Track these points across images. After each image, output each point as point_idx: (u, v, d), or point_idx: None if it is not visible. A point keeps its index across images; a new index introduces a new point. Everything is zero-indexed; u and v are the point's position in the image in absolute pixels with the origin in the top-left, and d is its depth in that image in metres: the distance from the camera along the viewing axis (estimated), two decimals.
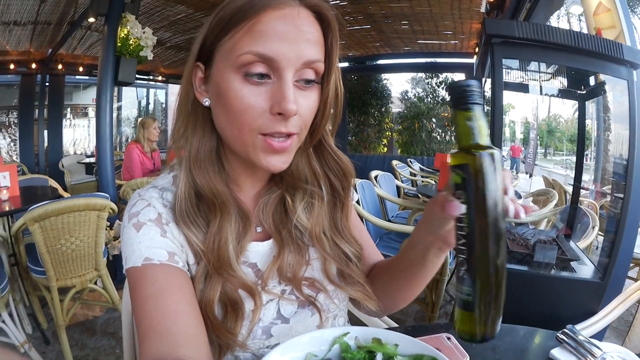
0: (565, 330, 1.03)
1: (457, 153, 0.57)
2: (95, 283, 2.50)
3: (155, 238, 0.68)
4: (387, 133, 10.05)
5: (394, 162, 6.33)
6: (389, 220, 3.68)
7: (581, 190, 3.06)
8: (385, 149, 10.08)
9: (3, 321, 2.12)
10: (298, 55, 0.63)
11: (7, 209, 2.74)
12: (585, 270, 2.10)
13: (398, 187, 5.20)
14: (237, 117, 0.63)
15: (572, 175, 3.05)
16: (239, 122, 0.64)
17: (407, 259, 0.80)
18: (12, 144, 8.24)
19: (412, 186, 6.00)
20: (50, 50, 6.68)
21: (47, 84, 7.40)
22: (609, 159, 2.96)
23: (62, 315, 2.29)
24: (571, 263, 2.13)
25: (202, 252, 0.69)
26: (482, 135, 0.55)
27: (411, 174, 6.57)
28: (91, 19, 3.82)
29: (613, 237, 2.03)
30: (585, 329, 1.46)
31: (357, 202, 2.70)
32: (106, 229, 2.44)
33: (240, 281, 0.71)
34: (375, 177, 4.22)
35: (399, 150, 9.70)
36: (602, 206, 3.13)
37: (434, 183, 4.87)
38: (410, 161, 7.29)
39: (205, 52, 0.68)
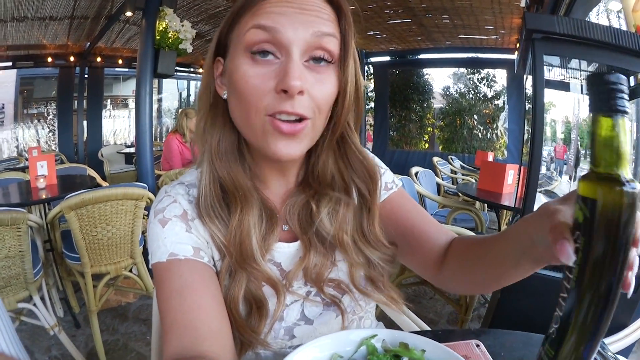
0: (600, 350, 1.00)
1: (589, 179, 0.43)
2: (130, 270, 2.56)
3: (180, 234, 0.69)
4: (429, 129, 9.91)
5: (435, 159, 6.24)
6: None
7: None
8: (427, 145, 9.93)
9: (34, 304, 2.19)
10: (306, 25, 0.61)
11: (43, 197, 2.85)
12: None
13: (438, 185, 5.13)
14: (244, 98, 0.62)
15: None
16: (246, 103, 0.62)
17: (498, 252, 0.69)
18: (50, 134, 8.55)
19: (452, 184, 5.88)
20: (89, 43, 6.89)
21: (86, 76, 7.63)
22: None
23: (94, 300, 2.35)
24: None
25: (225, 246, 0.69)
26: (625, 160, 0.41)
27: (452, 171, 6.46)
28: (128, 13, 3.89)
29: None
30: (614, 342, 1.41)
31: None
32: (144, 218, 2.48)
33: (264, 275, 0.70)
34: (416, 174, 4.17)
35: (440, 147, 9.54)
36: None
37: (474, 181, 4.78)
38: (451, 158, 7.16)
39: (222, 45, 0.69)
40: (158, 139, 10.03)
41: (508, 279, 0.70)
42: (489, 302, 2.74)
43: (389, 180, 0.89)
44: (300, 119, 0.63)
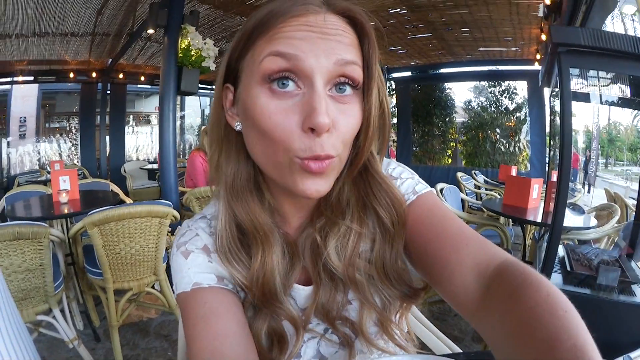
0: None
1: None
2: (153, 287, 2.56)
3: (203, 265, 0.68)
4: (452, 144, 9.89)
5: (459, 174, 6.19)
6: None
7: None
8: (450, 160, 9.91)
9: (54, 317, 2.20)
10: (327, 53, 0.56)
11: (66, 211, 2.86)
12: None
13: (462, 200, 5.08)
14: (268, 137, 0.57)
15: (633, 187, 2.85)
16: (272, 143, 0.57)
17: None
18: (73, 149, 8.75)
19: (477, 199, 5.82)
20: (111, 60, 7.04)
21: (108, 92, 7.81)
22: None
23: (116, 316, 2.36)
24: (632, 287, 1.98)
25: (246, 287, 0.67)
26: None
27: (475, 186, 6.40)
28: (150, 31, 3.95)
29: None
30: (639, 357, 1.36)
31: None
32: (167, 235, 2.49)
33: (286, 314, 0.69)
34: (441, 190, 4.14)
35: (464, 162, 9.49)
36: None
37: (498, 196, 4.72)
38: (475, 173, 7.10)
39: (232, 71, 0.64)
40: (181, 156, 10.19)
41: None
42: None
43: (407, 191, 0.76)
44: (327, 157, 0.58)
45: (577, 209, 3.79)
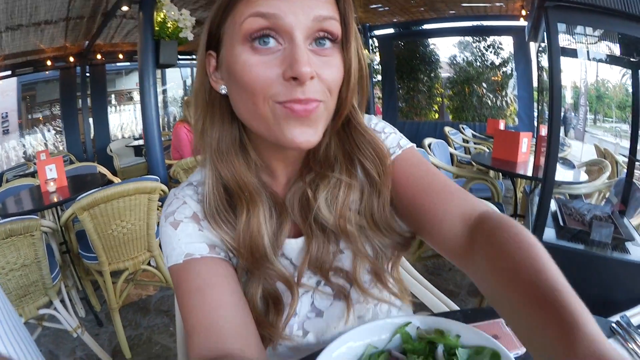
0: (619, 320, 0.98)
1: None
2: (149, 263, 2.56)
3: (193, 234, 0.68)
4: (438, 99, 9.84)
5: (447, 129, 6.19)
6: None
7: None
8: (437, 115, 9.86)
9: (55, 308, 2.20)
10: (305, 11, 0.58)
11: (55, 200, 2.83)
12: (638, 251, 1.96)
13: (451, 155, 5.07)
14: (249, 88, 0.58)
15: (622, 144, 2.86)
16: (252, 93, 0.59)
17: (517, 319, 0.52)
18: (57, 136, 8.60)
19: (465, 153, 5.84)
20: (87, 42, 6.84)
21: (87, 74, 7.64)
22: None
23: (115, 298, 2.36)
24: (626, 243, 1.99)
25: (236, 249, 0.68)
26: None
27: (464, 140, 6.41)
28: (125, 8, 3.88)
29: None
30: (636, 315, 1.39)
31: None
32: (158, 209, 2.47)
33: (278, 274, 0.70)
34: (429, 145, 4.13)
35: (451, 116, 9.47)
36: None
37: (487, 150, 4.72)
38: (462, 127, 7.13)
39: (213, 37, 0.65)
40: (166, 129, 10.04)
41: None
42: None
43: (392, 145, 0.79)
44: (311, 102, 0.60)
45: (568, 164, 3.81)
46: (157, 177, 2.45)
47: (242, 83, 0.59)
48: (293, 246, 0.74)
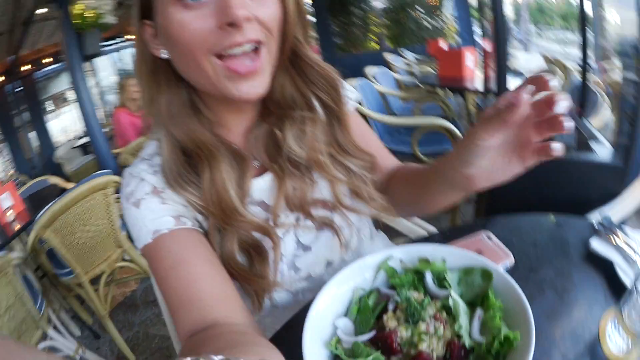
0: (601, 221, 1.02)
1: None
2: (123, 259, 2.51)
3: (156, 209, 0.67)
4: (375, 29, 9.75)
5: (386, 55, 6.11)
6: (393, 114, 3.58)
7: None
8: (378, 46, 9.81)
9: (51, 339, 2.11)
10: None
11: (17, 228, 2.68)
12: (604, 150, 1.98)
13: (397, 81, 5.03)
14: (187, 45, 0.59)
15: (570, 52, 2.89)
16: (191, 49, 0.59)
17: (428, 186, 0.75)
18: (2, 160, 8.24)
19: (410, 77, 5.80)
20: (12, 57, 6.62)
21: (20, 88, 7.45)
22: (606, 38, 2.82)
23: (101, 305, 2.31)
24: (590, 143, 2.02)
25: (204, 208, 0.68)
26: None
27: (406, 64, 6.37)
28: (43, 10, 3.72)
29: (632, 119, 1.90)
30: (613, 212, 1.46)
31: (360, 103, 2.65)
32: (116, 201, 2.40)
33: (251, 224, 0.70)
34: (374, 76, 4.09)
35: (391, 44, 9.45)
36: (609, 85, 2.99)
37: (432, 70, 4.70)
38: (402, 51, 7.10)
39: (145, 7, 0.65)
40: (110, 119, 9.84)
41: (441, 205, 0.77)
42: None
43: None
44: (256, 48, 0.61)
45: (518, 74, 3.85)
46: (108, 171, 2.36)
47: (181, 42, 0.59)
48: (261, 185, 0.75)
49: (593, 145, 1.98)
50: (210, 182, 0.67)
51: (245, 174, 0.71)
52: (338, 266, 0.85)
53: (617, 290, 0.90)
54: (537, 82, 0.53)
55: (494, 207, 2.00)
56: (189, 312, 0.60)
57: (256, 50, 0.61)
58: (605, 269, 0.94)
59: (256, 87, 0.63)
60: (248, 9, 0.57)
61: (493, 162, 0.61)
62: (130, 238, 2.51)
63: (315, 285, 0.84)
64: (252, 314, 0.81)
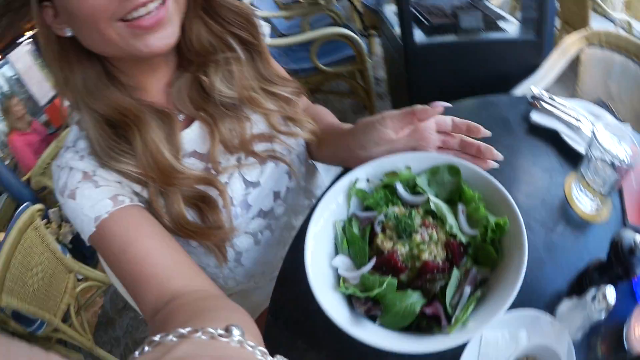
0: (533, 94, 1.06)
1: None
2: (78, 281, 2.38)
3: (92, 195, 0.66)
4: None
5: None
6: (282, 35, 3.41)
7: None
8: None
9: None
10: None
11: None
12: (513, 28, 2.00)
13: (275, 2, 4.79)
14: (88, 16, 0.56)
15: None
16: (93, 19, 0.56)
17: (319, 149, 0.88)
18: None
19: None
20: None
21: None
22: None
23: (84, 337, 2.23)
24: (498, 22, 2.02)
25: (143, 175, 0.67)
26: None
27: None
28: None
29: None
30: (537, 84, 1.51)
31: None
32: (47, 227, 2.26)
33: (192, 178, 0.69)
34: (250, 2, 3.87)
35: None
36: None
37: None
38: None
39: None
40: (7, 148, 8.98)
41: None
42: (389, 81, 2.78)
43: None
44: (162, 2, 0.59)
45: None
46: (27, 203, 2.17)
47: (82, 15, 0.56)
48: (190, 136, 0.74)
49: (501, 24, 2.01)
50: (143, 146, 0.65)
51: (174, 130, 0.70)
52: (285, 196, 0.89)
53: (570, 156, 0.95)
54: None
55: (414, 101, 2.01)
56: (148, 290, 0.60)
57: (162, 4, 0.59)
58: (552, 139, 1.00)
59: (165, 37, 0.61)
60: None
61: (384, 153, 0.70)
62: (75, 257, 2.39)
63: (270, 219, 0.88)
64: (220, 269, 0.89)
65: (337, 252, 0.65)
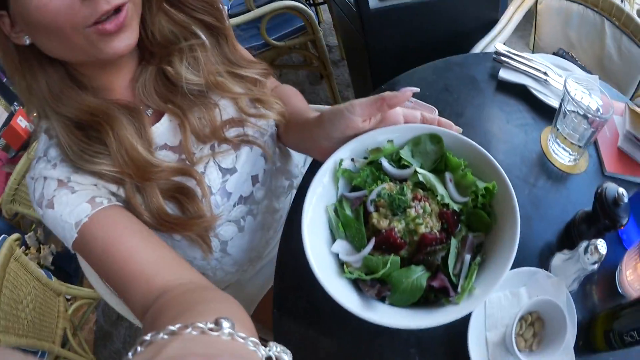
0: (498, 51, 1.07)
1: None
2: (68, 301, 2.34)
3: (70, 202, 0.65)
4: None
5: None
6: (230, 16, 3.35)
7: None
8: None
9: None
10: None
11: None
12: None
13: None
14: (54, 26, 0.55)
15: None
16: (58, 29, 0.55)
17: (285, 134, 0.90)
18: None
19: None
20: None
21: None
22: None
23: (84, 359, 2.21)
24: None
25: (119, 173, 0.66)
26: None
27: None
28: None
29: None
30: (494, 40, 1.53)
31: None
32: (26, 254, 2.20)
33: (168, 171, 0.70)
34: None
35: None
36: None
37: None
38: None
39: None
40: None
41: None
42: (345, 48, 2.74)
43: None
44: (119, 8, 0.57)
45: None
46: (3, 236, 2.11)
47: (45, 24, 0.55)
48: (160, 130, 0.73)
49: None
50: (117, 143, 0.65)
51: (144, 125, 0.69)
52: (263, 179, 0.89)
53: (542, 110, 0.97)
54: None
55: (374, 67, 1.98)
56: (135, 289, 0.60)
57: (120, 9, 0.58)
58: (522, 94, 1.01)
59: (127, 39, 0.60)
60: None
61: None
62: (59, 278, 2.35)
63: (251, 205, 0.88)
64: (207, 260, 0.90)
65: (333, 237, 0.65)
